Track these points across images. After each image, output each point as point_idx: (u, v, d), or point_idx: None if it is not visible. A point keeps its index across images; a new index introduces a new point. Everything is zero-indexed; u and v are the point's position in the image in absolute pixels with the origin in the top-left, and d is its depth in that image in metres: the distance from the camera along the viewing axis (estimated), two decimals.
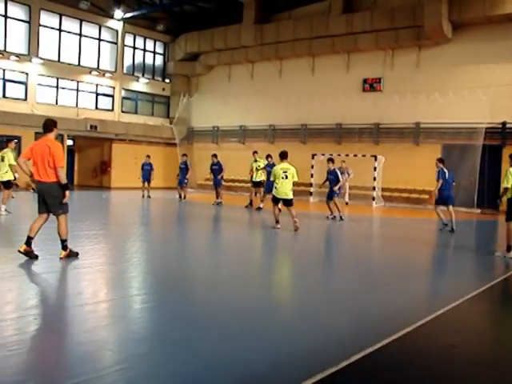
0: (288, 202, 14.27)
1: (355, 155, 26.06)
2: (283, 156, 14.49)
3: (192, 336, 5.32)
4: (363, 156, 25.81)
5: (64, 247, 9.01)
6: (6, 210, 15.49)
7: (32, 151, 8.84)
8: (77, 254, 9.19)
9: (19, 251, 8.73)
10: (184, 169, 24.46)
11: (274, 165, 18.03)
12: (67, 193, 8.90)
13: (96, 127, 31.41)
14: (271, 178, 14.58)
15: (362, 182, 25.81)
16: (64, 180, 8.82)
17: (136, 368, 4.45)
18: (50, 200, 8.83)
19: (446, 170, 16.03)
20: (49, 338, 5.20)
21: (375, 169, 25.57)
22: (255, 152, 21.87)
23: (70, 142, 32.75)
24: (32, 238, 8.83)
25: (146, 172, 25.23)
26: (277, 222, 14.50)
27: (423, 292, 8.19)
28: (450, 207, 15.95)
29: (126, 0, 33.04)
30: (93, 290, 7.27)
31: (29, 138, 28.92)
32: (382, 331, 5.65)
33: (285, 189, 14.08)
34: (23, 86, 30.10)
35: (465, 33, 25.47)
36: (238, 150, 32.37)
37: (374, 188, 25.60)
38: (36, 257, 8.80)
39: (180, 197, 24.44)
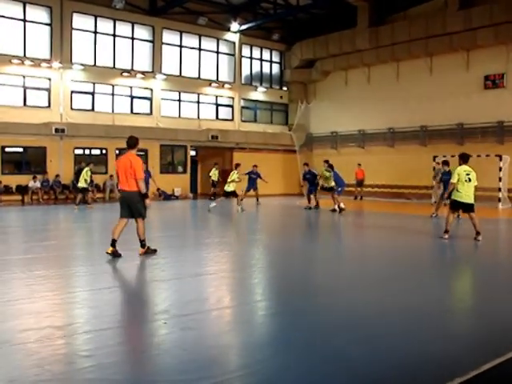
0: (470, 208, 13.19)
1: (478, 155, 25.04)
2: (465, 159, 13.55)
3: (316, 342, 5.44)
4: (487, 156, 24.86)
5: (143, 245, 10.37)
6: None
7: (116, 164, 10.33)
8: (155, 250, 10.53)
9: (107, 253, 9.93)
10: (310, 178, 23.37)
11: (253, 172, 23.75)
12: (147, 200, 10.19)
13: (217, 137, 32.39)
14: (453, 180, 13.02)
15: (487, 183, 24.84)
16: (144, 190, 10.10)
17: (260, 373, 4.62)
18: (132, 206, 10.10)
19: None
20: (177, 341, 5.51)
21: (500, 169, 24.58)
22: (238, 165, 22.67)
23: (192, 153, 33.95)
24: (116, 241, 10.01)
25: (253, 180, 25.34)
26: (446, 231, 13.38)
27: None
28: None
29: (241, 12, 33.85)
30: (217, 296, 7.61)
31: (154, 150, 30.44)
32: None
33: (469, 193, 13.06)
34: (148, 102, 31.65)
35: None
36: (357, 155, 32.20)
37: (499, 189, 24.60)
38: (120, 255, 9.98)
39: (310, 207, 22.89)
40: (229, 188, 21.61)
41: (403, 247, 12.93)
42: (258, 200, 25.54)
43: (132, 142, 10.31)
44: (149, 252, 10.39)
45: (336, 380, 4.50)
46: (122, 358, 5.05)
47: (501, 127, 26.92)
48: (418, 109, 29.40)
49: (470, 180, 12.96)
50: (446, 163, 18.95)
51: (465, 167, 13.21)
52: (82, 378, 4.50)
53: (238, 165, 22.50)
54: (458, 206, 13.36)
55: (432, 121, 29.16)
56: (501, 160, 24.58)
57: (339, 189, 21.42)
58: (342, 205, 20.84)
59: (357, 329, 5.95)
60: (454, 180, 13.08)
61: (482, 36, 27.07)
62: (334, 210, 20.94)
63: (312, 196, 22.94)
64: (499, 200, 24.54)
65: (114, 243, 9.99)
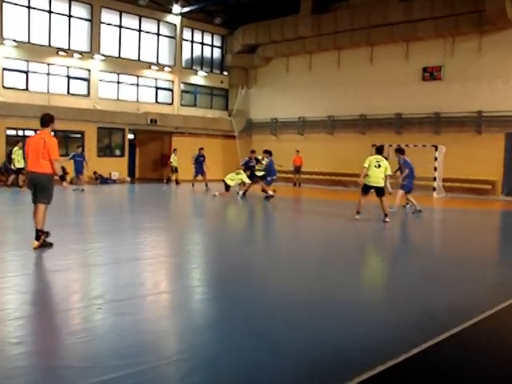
0: (380, 192, 14.28)
1: (415, 145, 25.64)
2: (379, 151, 14.86)
3: (252, 326, 5.41)
4: (423, 146, 25.35)
5: (38, 237, 9.01)
6: None
7: (27, 144, 9.36)
8: (51, 244, 9.16)
9: (34, 249, 8.91)
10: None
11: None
12: (65, 183, 9.66)
13: (156, 121, 31.94)
14: (365, 165, 14.23)
15: (423, 172, 25.35)
16: (59, 172, 9.28)
17: (196, 358, 4.55)
18: (39, 188, 9.11)
19: (409, 160, 16.74)
20: (112, 327, 5.36)
21: (436, 159, 25.11)
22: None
23: (130, 136, 33.39)
24: (41, 231, 9.03)
25: (201, 164, 25.45)
26: (358, 212, 14.47)
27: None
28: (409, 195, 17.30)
29: None
30: (154, 281, 7.46)
31: (91, 132, 29.79)
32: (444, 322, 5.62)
33: (377, 177, 14.17)
34: (86, 83, 30.86)
35: None
36: (296, 142, 32.33)
37: (434, 178, 25.15)
38: (51, 244, 9.07)
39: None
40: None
41: (322, 231, 13.24)
42: (207, 186, 25.19)
43: (46, 120, 9.34)
44: (45, 245, 9.04)
45: (272, 364, 4.44)
46: (55, 344, 4.87)
47: (437, 118, 27.50)
48: (357, 97, 29.69)
49: (379, 166, 14.15)
50: (400, 151, 18.55)
51: (377, 156, 14.48)
52: (12, 366, 4.31)
53: (174, 149, 22.21)
54: (367, 189, 14.37)
55: (371, 110, 29.53)
56: (436, 150, 25.11)
57: (269, 178, 21.34)
58: (270, 192, 20.79)
59: (292, 313, 5.94)
60: (365, 164, 14.31)
61: (422, 28, 27.52)
62: (266, 197, 20.74)
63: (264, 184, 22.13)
64: (434, 189, 25.08)
65: (38, 235, 9.01)
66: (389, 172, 14.36)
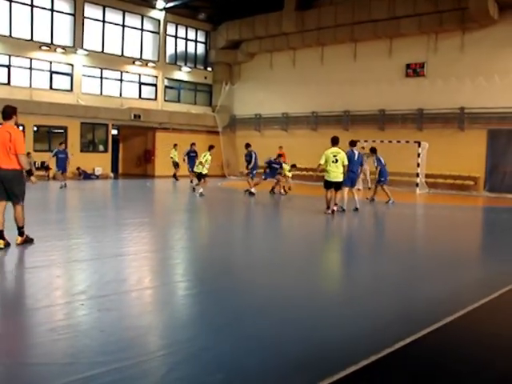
0: (339, 186, 14.57)
1: (398, 141, 25.78)
2: (334, 142, 14.81)
3: (234, 322, 5.41)
4: (407, 142, 25.48)
5: (21, 233, 8.91)
6: None
7: None
8: (32, 240, 9.08)
9: (18, 244, 8.83)
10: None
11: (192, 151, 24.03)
12: (33, 178, 9.10)
13: (139, 116, 31.82)
14: (321, 162, 14.65)
15: (406, 168, 25.54)
16: (27, 166, 8.87)
17: (179, 353, 4.54)
18: (13, 188, 8.68)
19: (356, 153, 16.49)
20: (95, 323, 5.33)
21: (419, 155, 25.25)
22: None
23: (114, 132, 33.23)
24: (22, 227, 8.90)
25: (192, 159, 25.30)
26: (328, 207, 14.65)
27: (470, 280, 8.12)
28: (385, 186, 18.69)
29: None
30: (137, 277, 7.43)
31: (74, 127, 29.61)
32: (425, 319, 5.66)
33: (336, 172, 14.41)
34: (69, 78, 30.63)
35: (511, 13, 24.83)
36: (280, 138, 32.29)
37: (417, 174, 25.29)
38: (8, 244, 8.68)
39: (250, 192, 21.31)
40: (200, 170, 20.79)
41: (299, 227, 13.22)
42: (192, 182, 25.06)
43: (8, 112, 8.75)
44: (27, 241, 8.97)
45: (256, 358, 4.46)
46: (38, 341, 4.81)
47: (420, 114, 27.63)
48: (341, 94, 29.76)
49: (336, 161, 14.40)
50: (372, 151, 19.58)
51: (332, 149, 14.64)
52: None
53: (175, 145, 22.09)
54: (330, 185, 14.57)
55: (355, 106, 29.62)
56: (419, 146, 25.23)
57: (254, 172, 21.47)
58: (253, 189, 20.74)
59: (276, 307, 5.96)
60: (321, 161, 14.65)
61: (406, 25, 27.63)
62: (249, 192, 20.82)
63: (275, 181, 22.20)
64: (417, 185, 25.23)
65: (21, 231, 8.89)
66: (346, 163, 14.56)
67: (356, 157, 16.03)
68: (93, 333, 5.04)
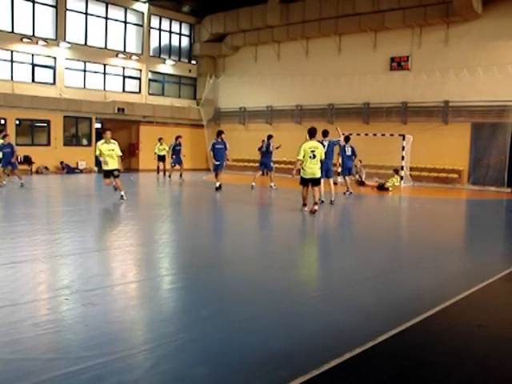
0: (316, 182, 13.92)
1: (383, 134, 25.86)
2: (311, 134, 13.94)
3: (219, 316, 5.40)
4: (391, 135, 25.57)
5: None
6: None
7: None
8: None
9: None
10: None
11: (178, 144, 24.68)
12: None
13: (123, 110, 31.65)
14: (299, 157, 13.78)
15: (390, 161, 25.64)
16: None
17: (164, 347, 4.53)
18: None
19: (325, 144, 16.18)
20: (79, 317, 5.29)
21: (403, 148, 25.34)
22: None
23: (98, 125, 32.99)
24: None
25: (178, 153, 25.28)
26: (304, 204, 14.05)
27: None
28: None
29: None
30: (122, 271, 7.39)
31: (57, 121, 29.39)
32: (408, 311, 5.67)
33: (313, 169, 13.73)
34: (51, 71, 30.34)
35: (495, 8, 24.84)
36: (265, 131, 32.24)
37: (402, 167, 25.39)
38: None
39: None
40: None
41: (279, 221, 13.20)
42: (181, 176, 25.00)
43: None
44: None
45: (241, 352, 4.47)
46: (21, 336, 4.75)
47: (405, 108, 27.70)
48: (326, 87, 29.78)
49: (314, 156, 13.62)
50: (347, 139, 19.57)
51: (310, 143, 13.81)
52: None
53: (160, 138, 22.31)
54: (306, 182, 13.95)
55: (339, 99, 29.64)
56: (404, 139, 25.34)
57: (224, 163, 21.45)
58: (218, 183, 20.33)
59: (261, 301, 5.95)
60: (299, 157, 13.79)
61: (390, 18, 27.63)
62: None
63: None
64: (401, 178, 25.32)
65: None
66: (323, 157, 13.99)
67: (326, 148, 15.48)
68: (77, 327, 5.00)
